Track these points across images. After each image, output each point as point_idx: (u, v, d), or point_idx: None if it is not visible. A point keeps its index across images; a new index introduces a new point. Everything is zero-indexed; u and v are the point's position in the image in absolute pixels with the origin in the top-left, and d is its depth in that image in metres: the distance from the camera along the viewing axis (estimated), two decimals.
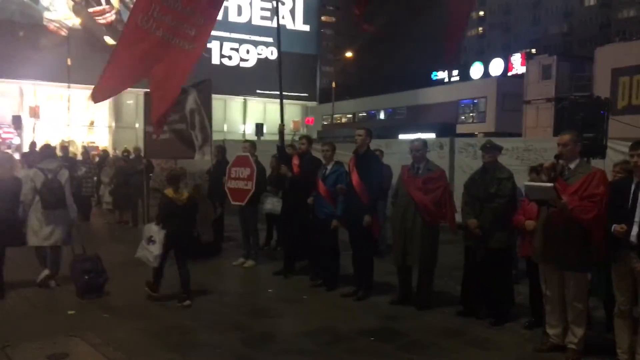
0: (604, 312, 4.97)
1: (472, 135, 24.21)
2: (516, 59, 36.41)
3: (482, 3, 58.25)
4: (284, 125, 7.37)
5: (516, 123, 28.78)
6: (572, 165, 4.44)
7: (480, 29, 60.17)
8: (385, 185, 7.24)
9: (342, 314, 5.65)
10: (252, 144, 7.96)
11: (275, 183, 7.87)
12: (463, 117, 35.40)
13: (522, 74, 32.74)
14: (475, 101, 35.28)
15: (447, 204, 5.67)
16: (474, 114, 35.16)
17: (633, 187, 4.09)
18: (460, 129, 33.50)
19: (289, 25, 38.77)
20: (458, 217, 5.81)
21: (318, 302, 6.08)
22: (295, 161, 6.70)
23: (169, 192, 5.91)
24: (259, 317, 5.54)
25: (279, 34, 7.42)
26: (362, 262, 6.17)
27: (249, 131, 36.09)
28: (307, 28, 41.27)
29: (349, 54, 48.14)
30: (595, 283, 4.70)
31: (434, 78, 42.45)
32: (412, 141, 5.90)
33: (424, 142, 5.87)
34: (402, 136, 20.67)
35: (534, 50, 42.29)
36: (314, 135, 23.42)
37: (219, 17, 7.75)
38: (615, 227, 4.06)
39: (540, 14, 54.10)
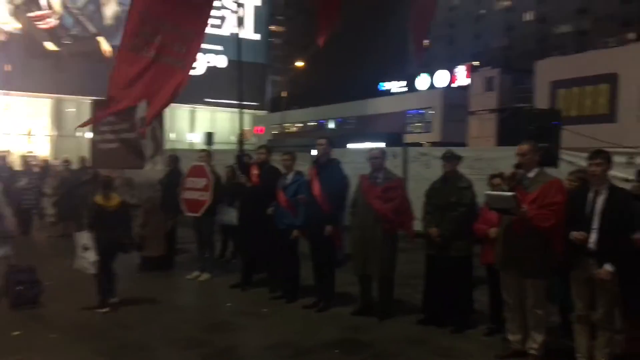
0: (558, 318, 5.09)
1: (419, 144, 24.75)
2: (460, 71, 37.56)
3: None
4: (244, 133, 7.24)
5: (461, 133, 29.62)
6: (531, 175, 4.54)
7: (426, 41, 61.78)
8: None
9: (304, 326, 5.56)
10: (208, 154, 7.78)
11: (230, 193, 7.70)
12: (410, 127, 36.13)
13: (466, 86, 33.80)
14: (421, 112, 36.10)
15: (406, 212, 5.71)
16: (421, 124, 35.96)
17: (591, 195, 4.22)
18: (407, 138, 34.24)
19: (240, 34, 38.47)
20: (415, 225, 5.87)
21: (279, 314, 5.96)
22: (254, 171, 6.58)
23: (98, 198, 6.00)
24: (219, 332, 5.37)
25: (240, 44, 7.34)
26: (323, 273, 6.11)
27: (197, 140, 35.49)
28: (257, 37, 41.14)
29: (299, 64, 48.26)
30: (552, 290, 4.81)
31: (381, 89, 43.18)
32: (371, 150, 5.92)
33: (383, 151, 5.90)
34: (350, 145, 20.78)
35: (476, 63, 43.74)
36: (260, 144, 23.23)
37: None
38: (574, 234, 4.17)
39: (482, 28, 56.14)
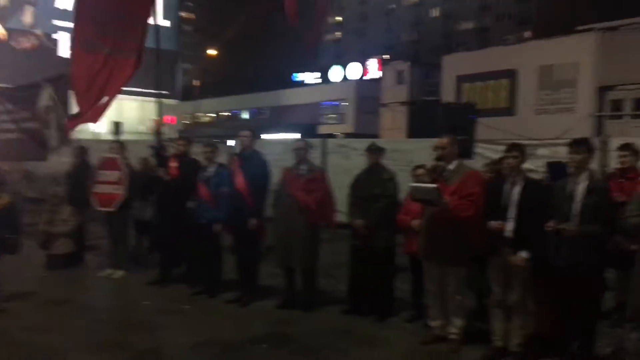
0: (474, 303, 5.35)
1: (333, 136, 25.11)
2: (372, 63, 38.41)
3: (340, 9, 60.61)
4: (158, 123, 6.93)
5: (373, 124, 30.38)
6: (451, 167, 4.71)
7: (338, 33, 62.58)
8: None
9: (229, 321, 5.44)
10: (120, 145, 7.37)
11: (145, 186, 7.35)
12: (324, 119, 36.54)
13: (378, 78, 34.67)
14: (336, 103, 36.60)
15: (329, 204, 5.75)
16: (335, 116, 36.46)
17: (507, 186, 4.45)
18: (322, 129, 34.61)
19: (150, 20, 36.91)
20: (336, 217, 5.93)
21: (202, 311, 5.78)
22: (173, 163, 6.32)
23: None
24: (139, 333, 5.11)
25: (158, 31, 6.97)
26: (246, 267, 6.01)
27: (102, 130, 33.69)
28: (167, 23, 39.63)
29: (211, 52, 47.15)
30: (471, 276, 5.04)
31: (294, 79, 43.24)
32: (296, 141, 5.88)
33: (308, 143, 5.88)
34: (265, 136, 20.65)
35: (387, 56, 44.94)
36: (175, 135, 22.51)
37: (70, 6, 7.29)
38: (491, 223, 4.38)
39: (393, 22, 57.71)
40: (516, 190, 4.40)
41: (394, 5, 58.28)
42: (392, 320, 5.46)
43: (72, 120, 7.18)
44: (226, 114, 43.39)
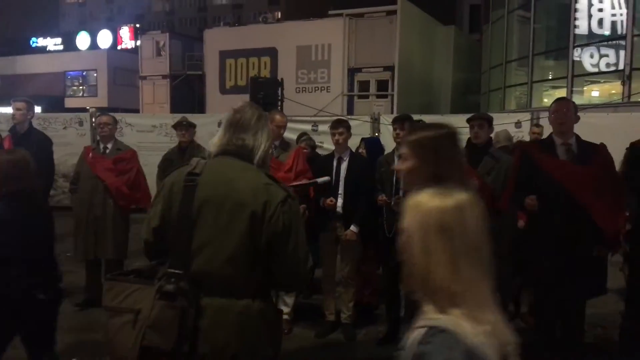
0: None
1: (84, 110, 22.67)
2: (125, 32, 35.70)
3: None
4: None
5: (131, 98, 28.36)
6: (277, 142, 4.55)
7: None
8: None
9: None
10: None
11: None
12: (71, 91, 32.79)
13: (133, 49, 32.36)
14: (84, 73, 33.08)
15: (141, 186, 5.10)
16: (84, 87, 32.99)
17: (335, 162, 4.48)
18: (69, 102, 31.00)
19: None
20: None
21: None
22: None
23: None
24: None
25: None
26: None
27: None
28: None
29: None
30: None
31: (34, 45, 37.67)
32: (99, 115, 5.05)
33: (114, 118, 5.09)
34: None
35: (138, 25, 42.27)
36: None
37: None
38: (323, 200, 4.38)
39: None
40: (343, 166, 4.47)
41: None
42: None
43: None
44: None
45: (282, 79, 7.33)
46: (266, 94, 6.53)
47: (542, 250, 3.58)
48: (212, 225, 1.93)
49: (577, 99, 15.05)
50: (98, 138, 4.99)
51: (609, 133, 6.21)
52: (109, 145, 4.95)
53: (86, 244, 4.92)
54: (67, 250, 6.16)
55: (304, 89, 23.06)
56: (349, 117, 9.73)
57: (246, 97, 7.11)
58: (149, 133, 10.45)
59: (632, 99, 13.59)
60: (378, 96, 21.68)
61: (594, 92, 17.05)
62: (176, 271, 1.91)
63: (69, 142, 9.84)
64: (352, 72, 22.18)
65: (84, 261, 5.05)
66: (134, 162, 5.09)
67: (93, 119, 10.03)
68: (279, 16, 41.99)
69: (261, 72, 24.06)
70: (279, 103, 6.84)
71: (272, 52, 23.69)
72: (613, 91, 15.45)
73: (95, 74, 32.28)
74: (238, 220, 1.91)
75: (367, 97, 21.99)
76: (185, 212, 1.96)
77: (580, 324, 3.73)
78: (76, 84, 33.06)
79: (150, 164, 6.44)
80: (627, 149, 4.10)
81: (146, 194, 5.10)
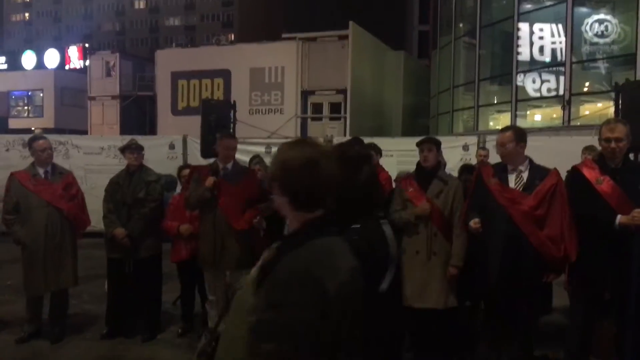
0: None
1: (29, 131, 21.90)
2: (73, 52, 34.88)
3: None
4: None
5: (79, 119, 27.64)
6: (229, 166, 4.52)
7: (26, 14, 54.72)
8: None
9: None
10: None
11: None
12: (16, 111, 31.66)
13: (80, 68, 31.62)
14: (29, 93, 32.04)
15: (86, 209, 4.96)
16: (29, 108, 31.92)
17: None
18: (13, 123, 29.86)
19: None
20: None
21: None
22: None
23: None
24: None
25: None
26: None
27: None
28: None
29: None
30: None
31: None
32: (35, 139, 4.86)
33: (49, 141, 4.92)
34: None
35: (87, 45, 41.43)
36: None
37: None
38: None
39: (92, 9, 53.30)
40: None
41: None
42: (161, 337, 4.96)
43: None
44: None
45: (234, 102, 7.29)
46: (218, 116, 6.48)
47: (486, 271, 3.66)
48: None
49: (521, 123, 15.67)
50: (33, 162, 4.78)
51: (551, 155, 6.46)
52: (49, 169, 4.76)
53: (46, 277, 4.64)
54: (7, 278, 5.93)
55: (257, 110, 23.06)
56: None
57: (198, 119, 7.07)
58: (97, 155, 10.18)
59: (572, 123, 14.25)
60: (331, 118, 21.91)
61: (537, 116, 17.78)
62: None
63: (12, 165, 9.43)
64: (305, 94, 22.36)
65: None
66: (76, 184, 4.94)
67: None
68: (232, 38, 42.09)
69: (214, 93, 23.93)
70: (232, 125, 6.81)
71: (225, 74, 23.62)
72: (554, 115, 16.16)
73: (41, 94, 31.34)
74: None
75: (320, 119, 22.18)
76: None
77: (528, 343, 3.81)
78: (20, 104, 31.98)
79: (98, 187, 6.28)
80: (568, 172, 4.26)
81: (88, 217, 4.95)
